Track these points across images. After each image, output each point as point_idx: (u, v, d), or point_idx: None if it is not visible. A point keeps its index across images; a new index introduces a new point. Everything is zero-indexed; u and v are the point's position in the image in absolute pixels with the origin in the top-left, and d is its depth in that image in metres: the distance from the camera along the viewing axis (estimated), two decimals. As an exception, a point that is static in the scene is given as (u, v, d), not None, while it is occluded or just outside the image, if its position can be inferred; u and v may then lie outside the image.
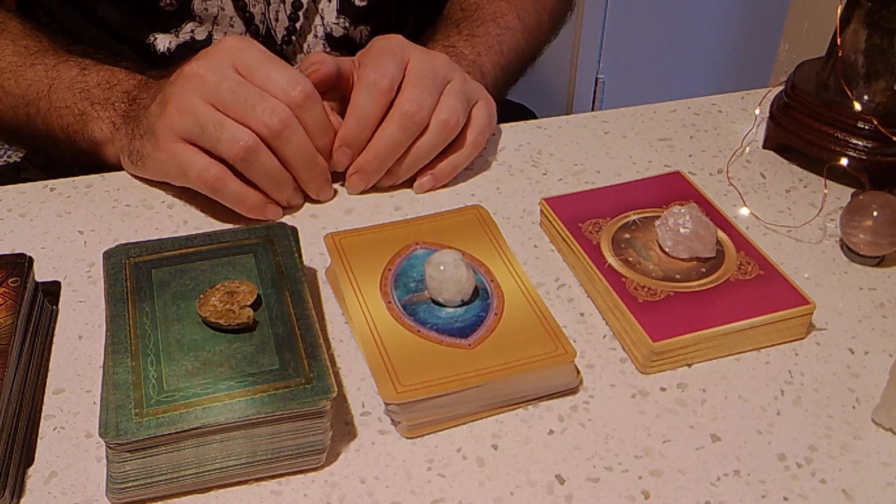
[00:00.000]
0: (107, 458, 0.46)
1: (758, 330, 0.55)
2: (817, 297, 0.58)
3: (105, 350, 0.50)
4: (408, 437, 0.51)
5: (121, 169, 0.70)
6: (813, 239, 0.65)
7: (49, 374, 0.54)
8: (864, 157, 0.67)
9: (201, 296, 0.52)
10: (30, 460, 0.49)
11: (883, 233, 0.60)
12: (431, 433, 0.51)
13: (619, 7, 1.88)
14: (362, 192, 0.69)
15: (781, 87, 0.74)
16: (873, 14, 0.66)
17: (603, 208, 0.63)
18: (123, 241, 0.57)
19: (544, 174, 0.72)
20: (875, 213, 0.60)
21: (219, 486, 0.48)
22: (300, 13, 0.79)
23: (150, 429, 0.45)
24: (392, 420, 0.51)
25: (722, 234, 0.60)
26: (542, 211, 0.65)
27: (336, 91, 0.68)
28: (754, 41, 1.97)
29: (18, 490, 0.48)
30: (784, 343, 0.57)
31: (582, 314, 0.59)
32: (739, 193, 0.69)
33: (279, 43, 0.80)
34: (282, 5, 0.78)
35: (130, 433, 0.45)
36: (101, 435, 0.45)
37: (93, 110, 0.69)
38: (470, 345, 0.52)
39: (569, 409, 0.52)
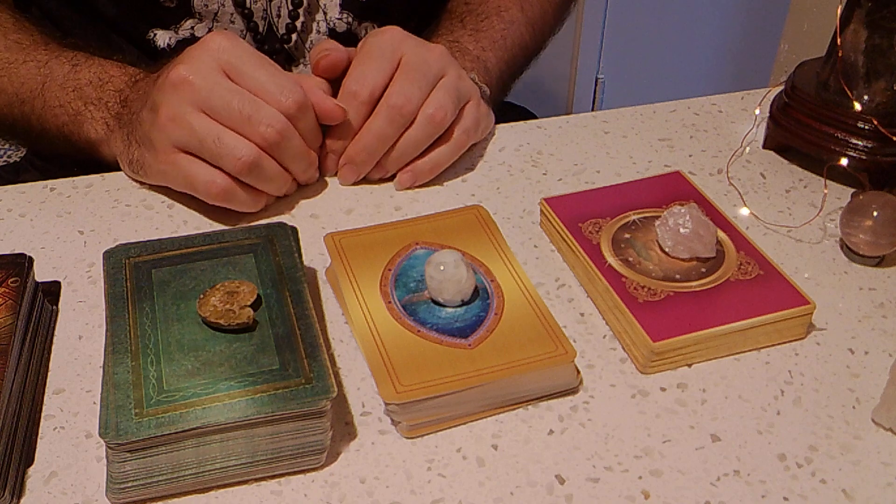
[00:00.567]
0: (107, 458, 0.46)
1: (758, 330, 0.55)
2: (817, 297, 0.58)
3: (105, 350, 0.50)
4: (408, 437, 0.51)
5: (119, 168, 0.70)
6: (813, 239, 0.65)
7: (49, 374, 0.54)
8: (864, 157, 0.67)
9: (201, 296, 0.52)
10: (30, 460, 0.49)
11: (883, 233, 0.60)
12: (431, 433, 0.51)
13: (619, 7, 1.88)
14: (360, 184, 0.70)
15: (781, 87, 0.74)
16: (873, 14, 0.66)
17: (603, 208, 0.63)
18: (123, 241, 0.57)
19: (544, 174, 0.72)
20: (875, 213, 0.60)
21: (219, 486, 0.48)
22: (300, 10, 0.79)
23: (150, 429, 0.45)
24: (392, 420, 0.51)
25: (722, 234, 0.60)
26: (542, 211, 0.65)
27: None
28: (754, 41, 1.97)
29: (18, 490, 0.48)
30: (784, 343, 0.57)
31: (582, 314, 0.59)
32: (739, 193, 0.69)
33: (280, 40, 0.80)
34: (283, 1, 0.78)
35: (130, 433, 0.45)
36: (101, 435, 0.45)
37: (86, 110, 0.69)
38: (470, 345, 0.52)
39: (569, 409, 0.52)
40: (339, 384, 0.54)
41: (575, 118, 0.79)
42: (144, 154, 0.65)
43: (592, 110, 1.85)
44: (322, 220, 0.67)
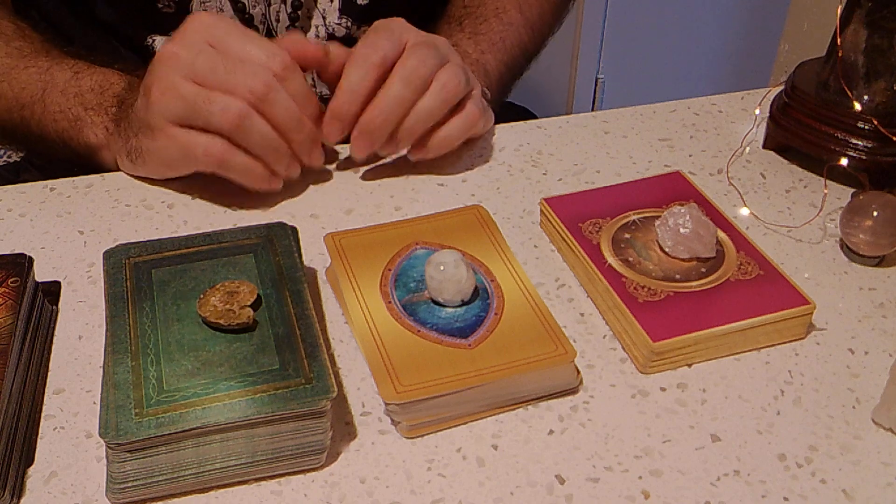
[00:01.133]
0: (107, 458, 0.46)
1: (758, 330, 0.55)
2: (817, 297, 0.58)
3: (105, 350, 0.50)
4: (408, 437, 0.51)
5: (119, 169, 0.70)
6: (813, 239, 0.65)
7: (49, 374, 0.54)
8: (864, 157, 0.67)
9: (201, 296, 0.52)
10: (30, 460, 0.49)
11: (883, 233, 0.60)
12: (431, 433, 0.51)
13: (619, 7, 1.88)
14: (360, 184, 0.69)
15: (781, 87, 0.74)
16: (873, 14, 0.66)
17: (603, 208, 0.63)
18: (123, 241, 0.57)
19: (544, 174, 0.72)
20: (875, 213, 0.60)
21: (219, 486, 0.48)
22: (300, 13, 0.79)
23: (150, 429, 0.45)
24: (392, 420, 0.51)
25: (722, 234, 0.60)
26: (542, 211, 0.65)
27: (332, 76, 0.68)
28: (754, 41, 1.97)
29: (18, 490, 0.48)
30: (784, 343, 0.57)
31: (582, 314, 0.59)
32: (739, 193, 0.69)
33: None
34: (282, 6, 0.78)
35: (130, 433, 0.45)
36: (101, 435, 0.45)
37: (87, 116, 0.69)
38: (470, 345, 0.52)
39: (569, 409, 0.52)
40: (339, 384, 0.54)
41: (575, 118, 0.79)
42: (142, 140, 0.65)
43: (592, 110, 1.85)
44: (322, 220, 0.67)
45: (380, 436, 0.51)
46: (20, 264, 0.55)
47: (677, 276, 0.57)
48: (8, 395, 0.49)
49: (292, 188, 0.70)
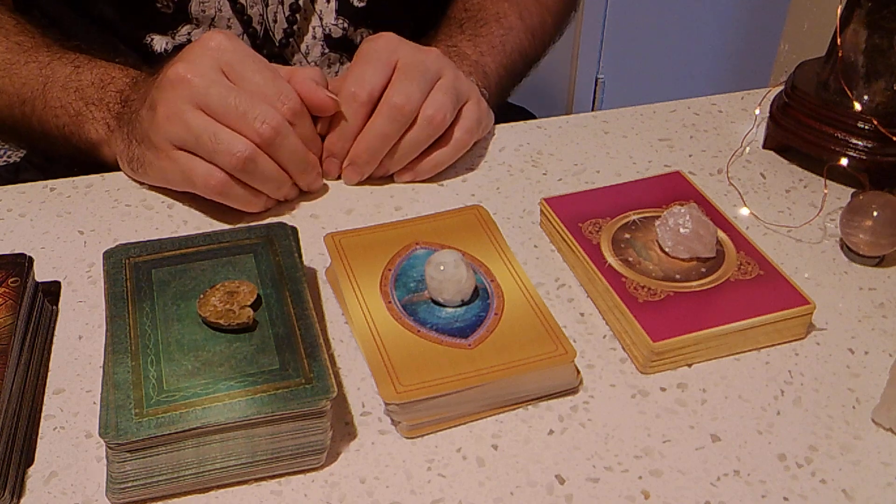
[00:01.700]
0: (107, 458, 0.46)
1: (758, 330, 0.55)
2: (817, 297, 0.58)
3: (105, 350, 0.50)
4: (408, 437, 0.51)
5: (119, 168, 0.70)
6: (813, 239, 0.65)
7: (49, 374, 0.54)
8: (864, 157, 0.67)
9: (201, 296, 0.52)
10: (30, 460, 0.49)
11: (883, 233, 0.60)
12: (431, 433, 0.51)
13: (619, 7, 1.88)
14: (360, 184, 0.70)
15: (781, 87, 0.74)
16: (873, 14, 0.66)
17: (603, 208, 0.63)
18: (123, 241, 0.57)
19: (544, 174, 0.72)
20: (875, 213, 0.60)
21: (219, 486, 0.48)
22: (298, 15, 0.79)
23: (150, 429, 0.45)
24: (392, 420, 0.51)
25: (722, 234, 0.60)
26: (542, 211, 0.65)
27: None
28: (754, 41, 1.97)
29: (18, 490, 0.48)
30: (784, 343, 0.57)
31: (582, 314, 0.59)
32: (739, 193, 0.69)
33: (277, 45, 0.80)
34: (280, 6, 0.78)
35: (130, 433, 0.45)
36: (101, 435, 0.45)
37: (87, 111, 0.69)
38: (470, 345, 0.52)
39: (569, 409, 0.52)
40: (339, 384, 0.54)
41: (575, 118, 0.79)
42: (144, 152, 0.65)
43: (592, 110, 1.85)
44: (322, 220, 0.67)
45: (380, 436, 0.51)
46: (20, 264, 0.55)
47: (677, 276, 0.57)
48: (8, 395, 0.49)
49: (292, 188, 0.70)
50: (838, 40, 0.68)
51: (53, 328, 0.57)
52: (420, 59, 0.67)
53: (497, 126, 0.76)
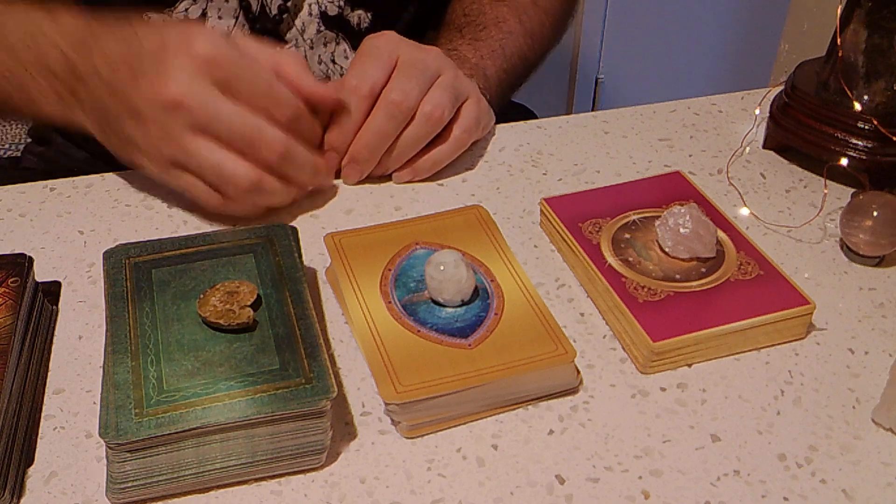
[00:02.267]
0: (107, 458, 0.46)
1: (758, 330, 0.55)
2: (817, 297, 0.58)
3: (105, 350, 0.50)
4: (408, 437, 0.51)
5: (120, 167, 0.70)
6: (813, 239, 0.65)
7: (49, 374, 0.54)
8: (864, 157, 0.67)
9: (201, 296, 0.52)
10: (30, 460, 0.49)
11: (883, 233, 0.60)
12: (431, 433, 0.51)
13: (619, 7, 1.88)
14: (360, 184, 0.70)
15: (781, 87, 0.74)
16: (873, 14, 0.66)
17: (603, 208, 0.63)
18: (123, 241, 0.57)
19: (544, 174, 0.72)
20: (875, 213, 0.60)
21: (219, 486, 0.48)
22: None
23: (150, 429, 0.45)
24: (392, 420, 0.51)
25: (722, 234, 0.60)
26: (542, 211, 0.65)
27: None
28: (754, 41, 1.97)
29: (18, 490, 0.48)
30: (784, 343, 0.57)
31: (582, 314, 0.59)
32: (739, 193, 0.69)
33: (272, 20, 0.80)
34: None
35: (130, 433, 0.45)
36: (101, 435, 0.45)
37: (31, 80, 0.63)
38: (470, 345, 0.52)
39: (569, 409, 0.52)
40: (339, 384, 0.54)
41: (575, 118, 0.79)
42: (138, 157, 0.63)
43: (592, 110, 1.85)
44: (322, 220, 0.67)
45: (380, 436, 0.51)
46: (20, 264, 0.55)
47: (677, 276, 0.57)
48: (8, 395, 0.49)
49: (292, 188, 0.70)
50: (838, 40, 0.68)
51: (53, 328, 0.57)
52: (420, 57, 0.67)
53: (497, 126, 0.77)
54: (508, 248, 0.59)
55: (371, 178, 0.70)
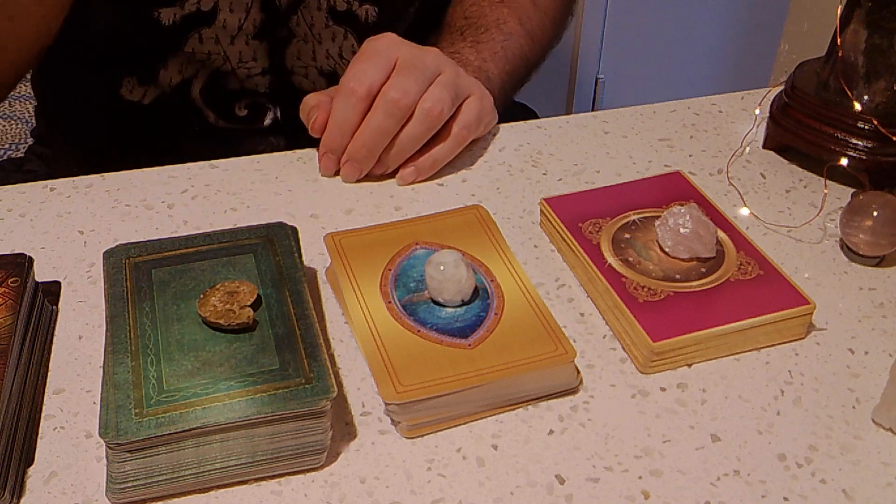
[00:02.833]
0: (107, 458, 0.46)
1: (758, 330, 0.55)
2: (817, 297, 0.58)
3: (105, 350, 0.50)
4: (408, 437, 0.51)
5: (121, 168, 0.70)
6: (813, 239, 0.65)
7: (49, 374, 0.54)
8: (864, 157, 0.67)
9: (201, 296, 0.52)
10: (30, 460, 0.49)
11: (883, 233, 0.60)
12: (431, 433, 0.51)
13: (619, 7, 1.87)
14: (360, 184, 0.70)
15: (781, 87, 0.74)
16: (873, 14, 0.66)
17: (603, 208, 0.63)
18: (123, 241, 0.57)
19: (544, 174, 0.72)
20: (875, 213, 0.60)
21: (219, 486, 0.48)
22: None
23: (150, 429, 0.45)
24: (392, 420, 0.51)
25: (722, 234, 0.60)
26: (542, 211, 0.65)
27: None
28: (754, 41, 1.97)
29: (18, 490, 0.48)
30: (784, 343, 0.57)
31: (582, 314, 0.59)
32: (739, 193, 0.69)
33: (283, 15, 0.80)
34: None
35: (130, 433, 0.45)
36: (101, 435, 0.45)
37: None
38: (470, 345, 0.52)
39: (569, 409, 0.52)
40: (339, 384, 0.54)
41: (575, 118, 0.79)
42: None
43: (592, 110, 1.85)
44: (322, 220, 0.67)
45: (380, 436, 0.51)
46: (20, 264, 0.55)
47: (677, 276, 0.57)
48: (8, 395, 0.49)
49: (292, 188, 0.70)
50: (838, 40, 0.68)
51: (53, 328, 0.57)
52: (419, 57, 0.68)
53: (497, 126, 0.76)
54: (508, 248, 0.59)
55: (371, 178, 0.70)
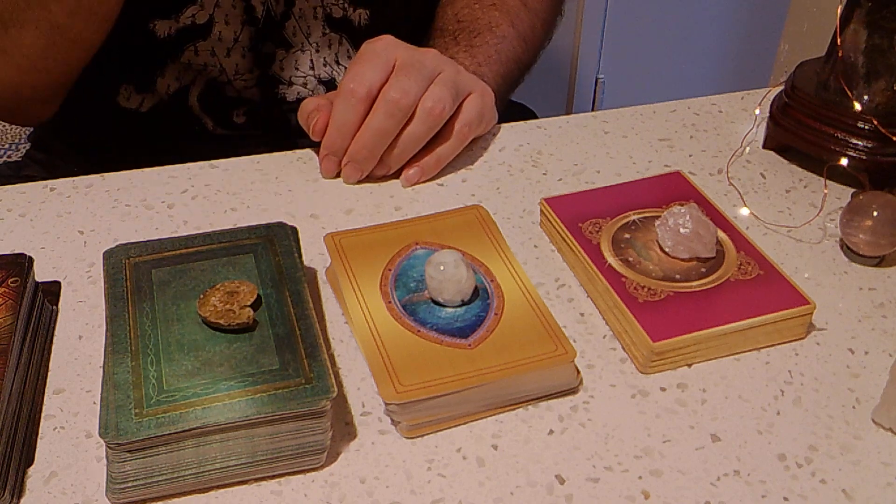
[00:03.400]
0: (107, 458, 0.46)
1: (758, 330, 0.55)
2: (817, 297, 0.58)
3: (105, 350, 0.50)
4: (408, 437, 0.51)
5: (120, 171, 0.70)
6: (813, 239, 0.65)
7: (49, 374, 0.54)
8: (864, 157, 0.67)
9: (201, 296, 0.52)
10: (30, 460, 0.49)
11: (883, 233, 0.60)
12: (431, 433, 0.51)
13: (619, 7, 1.88)
14: (360, 184, 0.70)
15: (781, 87, 0.74)
16: (873, 14, 0.66)
17: (603, 208, 0.63)
18: (123, 241, 0.57)
19: (544, 174, 0.72)
20: (875, 213, 0.60)
21: (219, 486, 0.48)
22: None
23: (150, 429, 0.45)
24: (392, 420, 0.51)
25: (722, 234, 0.60)
26: (542, 211, 0.65)
27: None
28: (754, 41, 1.97)
29: (18, 490, 0.48)
30: (784, 343, 0.57)
31: (582, 314, 0.59)
32: (739, 193, 0.69)
33: (277, 24, 0.80)
34: None
35: (130, 433, 0.45)
36: (101, 435, 0.45)
37: None
38: (470, 345, 0.52)
39: (569, 409, 0.52)
40: (339, 384, 0.54)
41: (575, 118, 0.79)
42: None
43: (592, 110, 1.85)
44: (322, 220, 0.67)
45: (380, 436, 0.51)
46: (20, 264, 0.55)
47: (677, 276, 0.57)
48: (8, 395, 0.49)
49: (292, 188, 0.70)
50: (838, 40, 0.68)
51: (53, 328, 0.57)
52: (418, 58, 0.68)
53: (497, 126, 0.76)
54: (508, 248, 0.59)
55: (371, 178, 0.70)
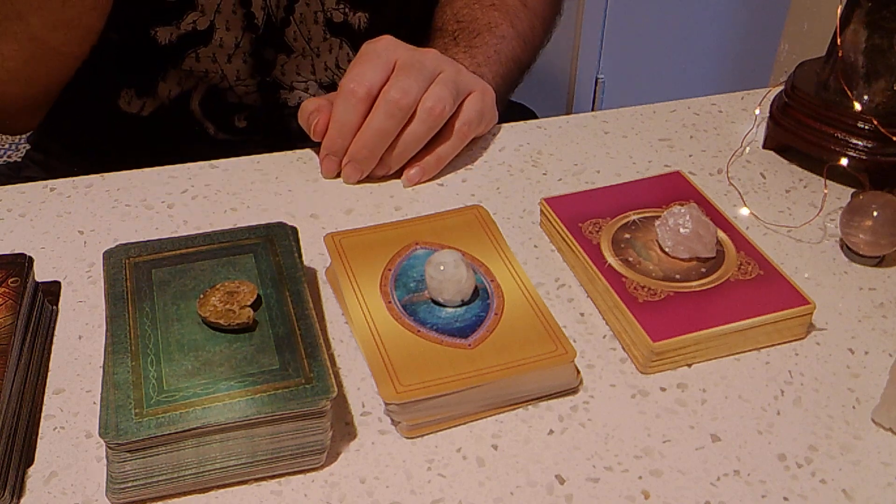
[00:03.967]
0: (107, 458, 0.46)
1: (758, 330, 0.55)
2: (817, 297, 0.58)
3: (105, 350, 0.50)
4: (408, 437, 0.51)
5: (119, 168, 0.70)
6: (813, 239, 0.65)
7: (49, 374, 0.54)
8: (864, 157, 0.67)
9: (201, 296, 0.52)
10: (30, 460, 0.49)
11: (883, 233, 0.60)
12: (431, 433, 0.51)
13: (619, 7, 1.88)
14: (360, 184, 0.70)
15: (781, 87, 0.74)
16: (873, 14, 0.66)
17: (603, 208, 0.63)
18: (123, 241, 0.57)
19: (544, 174, 0.72)
20: (875, 213, 0.60)
21: (219, 486, 0.48)
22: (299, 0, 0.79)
23: (150, 429, 0.45)
24: (392, 420, 0.51)
25: (722, 234, 0.60)
26: (542, 211, 0.65)
27: None
28: (754, 41, 1.97)
29: (18, 490, 0.48)
30: (784, 343, 0.57)
31: (582, 314, 0.59)
32: (739, 193, 0.69)
33: (278, 29, 0.80)
34: None
35: (130, 433, 0.45)
36: (101, 435, 0.45)
37: None
38: (470, 345, 0.52)
39: (569, 409, 0.52)
40: (339, 384, 0.54)
41: (575, 118, 0.79)
42: None
43: (592, 110, 1.85)
44: (322, 220, 0.67)
45: (380, 436, 0.51)
46: (20, 264, 0.55)
47: (677, 276, 0.57)
48: (8, 395, 0.49)
49: (292, 188, 0.70)
50: (838, 40, 0.68)
51: (53, 328, 0.57)
52: (418, 58, 0.68)
53: (497, 126, 0.77)
54: (508, 248, 0.59)
55: (371, 178, 0.70)
